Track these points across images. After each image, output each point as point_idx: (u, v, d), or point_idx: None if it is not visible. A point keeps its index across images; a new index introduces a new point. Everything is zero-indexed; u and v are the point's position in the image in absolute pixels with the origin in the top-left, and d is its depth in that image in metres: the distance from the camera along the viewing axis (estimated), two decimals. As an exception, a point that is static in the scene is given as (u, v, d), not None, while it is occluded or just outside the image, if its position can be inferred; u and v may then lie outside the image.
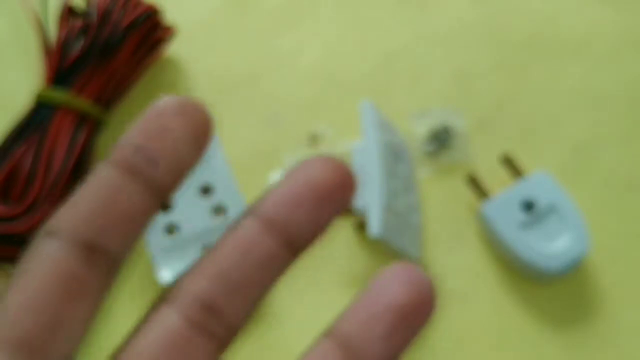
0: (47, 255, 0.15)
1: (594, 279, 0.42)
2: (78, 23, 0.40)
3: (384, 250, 0.40)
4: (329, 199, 0.16)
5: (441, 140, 0.44)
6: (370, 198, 0.37)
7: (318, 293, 0.40)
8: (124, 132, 0.42)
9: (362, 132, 0.39)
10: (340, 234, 0.42)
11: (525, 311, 0.40)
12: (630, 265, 0.42)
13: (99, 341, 0.39)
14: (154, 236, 0.36)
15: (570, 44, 0.49)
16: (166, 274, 0.36)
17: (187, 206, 0.37)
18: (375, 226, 0.36)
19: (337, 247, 0.41)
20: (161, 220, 0.37)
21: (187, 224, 0.37)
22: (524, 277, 0.41)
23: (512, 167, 0.42)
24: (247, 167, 0.43)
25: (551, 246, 0.40)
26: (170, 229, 0.37)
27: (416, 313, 0.15)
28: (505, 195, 0.41)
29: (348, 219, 0.41)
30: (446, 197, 0.43)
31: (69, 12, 0.41)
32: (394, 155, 0.41)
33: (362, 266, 0.41)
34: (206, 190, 0.38)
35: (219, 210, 0.38)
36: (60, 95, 0.38)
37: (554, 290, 0.41)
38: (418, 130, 0.44)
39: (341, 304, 0.40)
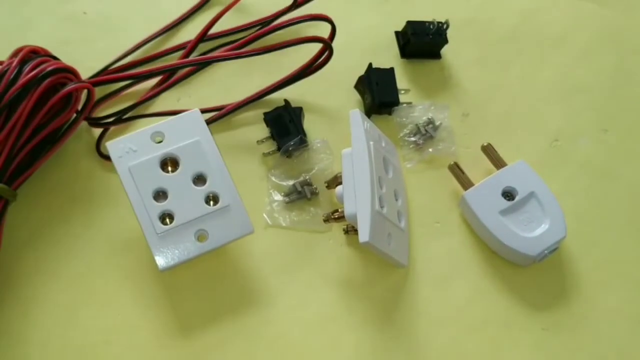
0: None
1: (571, 263, 0.43)
2: None
3: (371, 253, 0.41)
4: None
5: (426, 132, 0.45)
6: (360, 205, 0.38)
7: (307, 288, 0.41)
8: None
9: (352, 141, 0.39)
10: (332, 237, 0.43)
11: (505, 294, 0.42)
12: (605, 250, 0.44)
13: (99, 328, 0.39)
14: (150, 225, 0.37)
15: (550, 38, 0.50)
16: (162, 261, 0.37)
17: (181, 195, 0.38)
18: (364, 234, 0.37)
19: (328, 249, 0.42)
20: (156, 209, 0.37)
21: (182, 213, 0.38)
22: (504, 261, 0.43)
23: (493, 156, 0.44)
24: (240, 158, 0.44)
25: (530, 231, 0.41)
26: (166, 218, 0.38)
27: None
28: (486, 183, 0.42)
29: (340, 223, 0.42)
30: (431, 186, 0.45)
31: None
32: (383, 161, 0.41)
33: (349, 267, 0.42)
34: (200, 180, 0.39)
35: (212, 198, 0.39)
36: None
37: (532, 274, 0.42)
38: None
39: (326, 299, 0.41)
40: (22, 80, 0.38)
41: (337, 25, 0.44)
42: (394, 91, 0.45)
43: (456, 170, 0.43)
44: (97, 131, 0.44)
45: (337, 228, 0.43)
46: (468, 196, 0.42)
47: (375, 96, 0.45)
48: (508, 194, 0.42)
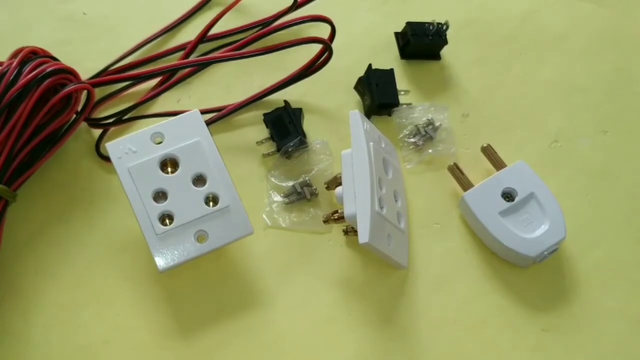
0: None
1: (570, 263, 0.43)
2: None
3: (371, 254, 0.41)
4: None
5: (426, 133, 0.45)
6: (359, 206, 0.38)
7: (307, 289, 0.41)
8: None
9: (352, 141, 0.39)
10: (332, 238, 0.43)
11: (504, 295, 0.42)
12: (604, 250, 0.44)
13: (99, 328, 0.39)
14: (149, 225, 0.37)
15: (549, 39, 0.50)
16: (161, 262, 0.37)
17: (181, 196, 0.38)
18: (363, 235, 0.37)
19: (328, 250, 0.42)
20: (156, 209, 0.38)
21: (181, 213, 0.38)
22: (504, 262, 0.43)
23: (492, 157, 0.44)
24: (239, 158, 0.44)
25: (530, 232, 0.41)
26: (165, 218, 0.38)
27: None
28: (486, 184, 0.43)
29: (339, 224, 0.42)
30: (431, 187, 0.45)
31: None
32: (383, 162, 0.41)
33: (349, 268, 0.42)
34: (199, 181, 0.39)
35: (212, 199, 0.39)
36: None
37: (532, 275, 0.42)
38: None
39: (326, 300, 0.41)
40: (21, 81, 0.38)
41: (337, 26, 0.44)
42: (394, 92, 0.45)
43: (456, 171, 0.43)
44: (97, 132, 0.44)
45: (336, 229, 0.43)
46: (468, 197, 0.42)
47: (375, 97, 0.45)
48: (508, 195, 0.42)
